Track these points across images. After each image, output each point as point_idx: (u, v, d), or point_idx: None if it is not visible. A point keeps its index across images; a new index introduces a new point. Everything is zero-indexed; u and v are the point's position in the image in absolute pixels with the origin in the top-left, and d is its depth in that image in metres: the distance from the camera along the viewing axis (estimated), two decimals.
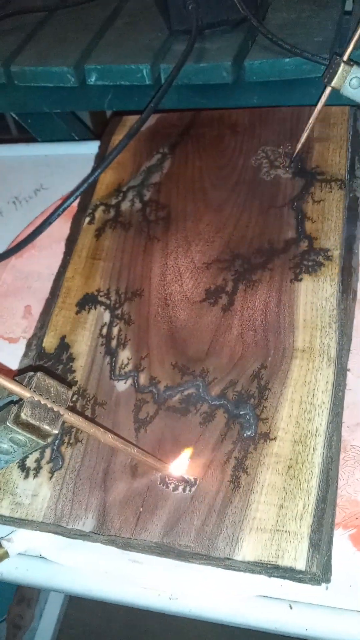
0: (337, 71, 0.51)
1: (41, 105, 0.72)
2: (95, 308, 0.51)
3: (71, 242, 0.57)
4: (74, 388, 0.46)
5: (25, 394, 0.33)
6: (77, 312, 0.51)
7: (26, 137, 0.85)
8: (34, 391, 0.33)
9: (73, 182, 0.60)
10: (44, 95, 0.70)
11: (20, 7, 0.77)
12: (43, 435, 0.33)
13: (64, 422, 0.34)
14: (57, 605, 1.06)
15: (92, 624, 1.09)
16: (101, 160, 0.59)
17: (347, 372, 0.45)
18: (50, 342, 0.49)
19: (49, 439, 0.34)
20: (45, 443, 0.34)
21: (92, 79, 0.65)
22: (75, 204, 0.59)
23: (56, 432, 0.33)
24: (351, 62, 0.51)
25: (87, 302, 0.51)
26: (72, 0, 0.77)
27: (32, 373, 0.34)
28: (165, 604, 0.40)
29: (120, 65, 0.63)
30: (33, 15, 0.75)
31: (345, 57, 0.51)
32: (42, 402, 0.33)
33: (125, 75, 0.63)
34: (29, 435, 0.33)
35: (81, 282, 0.53)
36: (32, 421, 0.32)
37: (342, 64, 0.51)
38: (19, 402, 0.33)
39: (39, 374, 0.34)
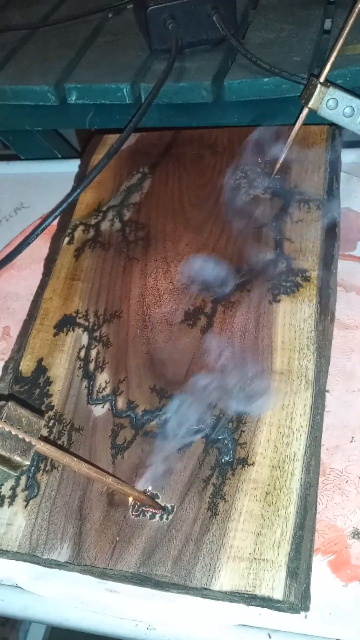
0: (313, 92, 0.51)
1: (22, 124, 0.72)
2: (74, 330, 0.50)
3: (50, 262, 0.56)
4: (51, 413, 0.45)
5: None
6: (55, 334, 0.50)
7: (11, 153, 0.85)
8: (5, 421, 0.33)
9: (54, 200, 0.59)
10: (24, 114, 0.70)
11: (2, 25, 0.77)
12: (14, 466, 0.33)
13: (37, 452, 0.33)
14: (41, 626, 1.04)
15: None
16: (81, 179, 0.59)
17: (326, 394, 0.45)
18: (27, 365, 0.49)
19: (21, 470, 0.33)
20: (16, 474, 0.33)
21: (72, 98, 0.65)
22: (56, 223, 0.59)
23: (27, 463, 0.33)
24: (328, 83, 0.51)
25: (65, 324, 0.51)
26: (54, 19, 0.77)
27: (3, 402, 0.34)
28: (143, 634, 0.40)
29: (100, 85, 0.63)
30: (15, 33, 0.75)
31: (321, 79, 0.51)
32: (14, 433, 0.33)
33: (105, 94, 0.63)
34: None
35: (59, 303, 0.52)
36: (2, 452, 0.32)
37: (319, 86, 0.51)
38: None
39: (9, 403, 0.34)
